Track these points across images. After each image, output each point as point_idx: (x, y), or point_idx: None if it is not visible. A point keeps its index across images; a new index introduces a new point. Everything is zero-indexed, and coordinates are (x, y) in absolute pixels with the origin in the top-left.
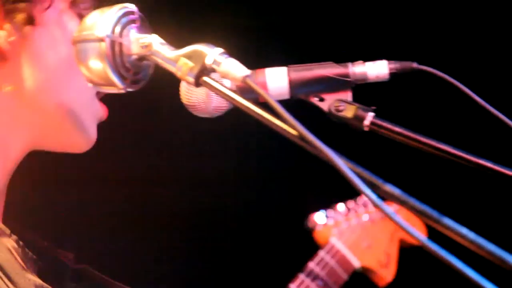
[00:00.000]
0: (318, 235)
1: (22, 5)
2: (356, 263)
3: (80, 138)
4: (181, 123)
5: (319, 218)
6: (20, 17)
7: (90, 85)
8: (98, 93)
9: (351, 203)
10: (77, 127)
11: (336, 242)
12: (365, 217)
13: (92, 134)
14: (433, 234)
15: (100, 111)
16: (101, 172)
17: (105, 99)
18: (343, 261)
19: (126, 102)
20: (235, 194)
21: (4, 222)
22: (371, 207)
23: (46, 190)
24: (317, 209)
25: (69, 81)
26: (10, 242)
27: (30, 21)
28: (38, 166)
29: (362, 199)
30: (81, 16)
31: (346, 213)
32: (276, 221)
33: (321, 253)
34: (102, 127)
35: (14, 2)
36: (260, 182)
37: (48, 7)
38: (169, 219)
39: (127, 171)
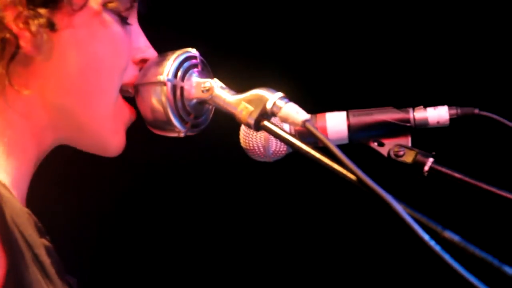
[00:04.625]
0: None
1: (42, 10)
2: None
3: (108, 142)
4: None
5: None
6: (41, 22)
7: (150, 128)
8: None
9: None
10: (104, 130)
11: None
12: None
13: (121, 138)
14: None
15: (128, 115)
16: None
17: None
18: None
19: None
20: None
21: None
22: None
23: None
24: None
25: (95, 85)
26: (47, 242)
27: (51, 26)
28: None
29: None
30: (121, 17)
31: None
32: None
33: None
34: None
35: (35, 7)
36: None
37: (75, 12)
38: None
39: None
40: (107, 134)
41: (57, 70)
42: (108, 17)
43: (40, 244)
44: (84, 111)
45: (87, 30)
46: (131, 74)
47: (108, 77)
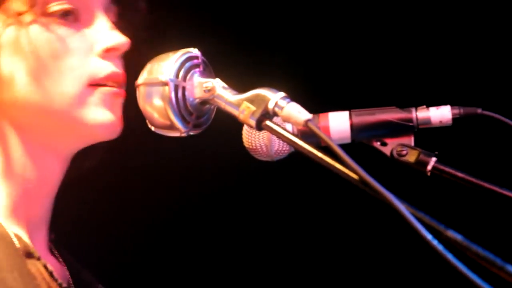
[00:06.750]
0: None
1: None
2: None
3: (94, 126)
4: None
5: None
6: None
7: (152, 128)
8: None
9: None
10: (77, 119)
11: None
12: None
13: (105, 116)
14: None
15: (102, 93)
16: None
17: None
18: None
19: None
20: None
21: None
22: None
23: None
24: None
25: (49, 85)
26: (37, 265)
27: None
28: None
29: None
30: (58, 18)
31: None
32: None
33: None
34: None
35: None
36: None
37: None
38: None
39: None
40: (88, 119)
41: (7, 89)
42: (36, 22)
43: (12, 268)
44: (51, 111)
45: (22, 41)
46: (99, 67)
47: (62, 79)
